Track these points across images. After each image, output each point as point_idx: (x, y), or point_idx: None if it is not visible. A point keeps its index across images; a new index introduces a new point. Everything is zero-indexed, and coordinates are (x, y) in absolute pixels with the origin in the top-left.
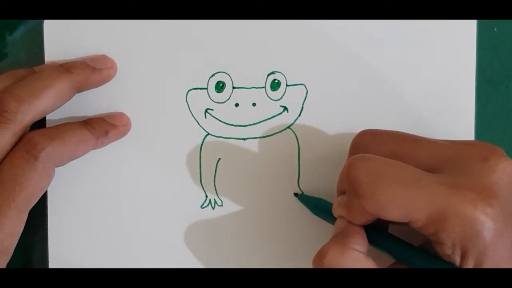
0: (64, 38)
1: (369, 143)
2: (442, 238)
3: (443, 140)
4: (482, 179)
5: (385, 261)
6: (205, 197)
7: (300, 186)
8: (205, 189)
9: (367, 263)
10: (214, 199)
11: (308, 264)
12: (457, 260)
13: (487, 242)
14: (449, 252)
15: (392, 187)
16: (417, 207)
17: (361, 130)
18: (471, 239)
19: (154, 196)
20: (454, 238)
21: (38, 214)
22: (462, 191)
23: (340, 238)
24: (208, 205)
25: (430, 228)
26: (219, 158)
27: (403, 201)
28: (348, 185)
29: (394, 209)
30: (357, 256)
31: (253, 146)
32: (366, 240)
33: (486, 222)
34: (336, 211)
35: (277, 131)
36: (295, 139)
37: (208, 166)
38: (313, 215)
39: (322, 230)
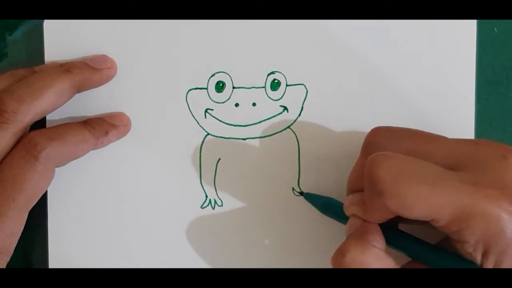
0: (64, 38)
1: (384, 141)
2: (465, 236)
3: (457, 138)
4: (503, 177)
5: (399, 260)
6: (205, 197)
7: (300, 186)
8: (205, 189)
9: (388, 261)
10: (214, 199)
11: (308, 264)
12: (478, 258)
13: (509, 240)
14: (470, 250)
15: (416, 185)
16: (441, 205)
17: (359, 130)
18: (495, 237)
19: (154, 196)
20: (477, 236)
21: (38, 214)
22: (485, 189)
23: (359, 236)
24: (208, 205)
25: (454, 226)
26: (219, 158)
27: (428, 199)
28: (369, 184)
29: (418, 207)
30: (378, 253)
31: (253, 146)
32: (383, 238)
33: (509, 220)
34: (349, 210)
35: (277, 131)
36: (295, 139)
37: (208, 166)
38: (313, 215)
39: (322, 229)
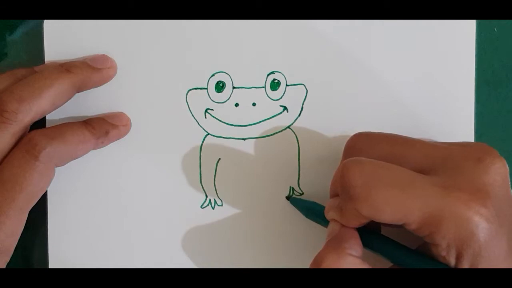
0: (64, 38)
1: (363, 146)
2: (437, 240)
3: (437, 141)
4: (476, 180)
5: (381, 265)
6: (205, 197)
7: (300, 186)
8: (205, 189)
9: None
10: (214, 199)
11: (308, 264)
12: (452, 261)
13: (481, 242)
14: (444, 253)
15: (386, 190)
16: (411, 209)
17: (359, 130)
18: (466, 240)
19: (154, 196)
20: (449, 239)
21: (38, 214)
22: (455, 192)
23: (335, 244)
24: (208, 205)
25: (425, 230)
26: (219, 158)
27: (398, 203)
28: (342, 189)
29: (389, 211)
30: (353, 261)
31: (253, 146)
32: (360, 244)
33: (480, 223)
34: (329, 214)
35: (277, 131)
36: (295, 139)
37: (208, 166)
38: None
39: (321, 230)
